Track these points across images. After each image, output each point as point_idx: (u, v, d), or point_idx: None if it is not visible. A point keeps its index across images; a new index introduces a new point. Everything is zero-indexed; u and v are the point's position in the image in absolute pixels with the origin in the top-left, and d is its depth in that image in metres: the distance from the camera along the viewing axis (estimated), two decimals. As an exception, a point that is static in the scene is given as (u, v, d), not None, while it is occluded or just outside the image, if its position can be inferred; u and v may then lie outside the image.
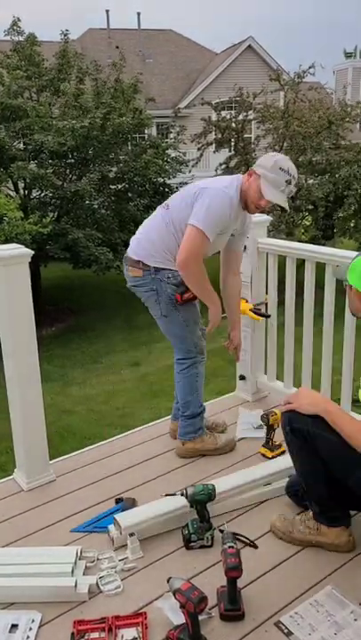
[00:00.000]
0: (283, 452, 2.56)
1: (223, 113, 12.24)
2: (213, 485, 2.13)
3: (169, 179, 12.66)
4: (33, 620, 1.84)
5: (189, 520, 2.16)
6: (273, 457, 2.65)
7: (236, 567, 1.78)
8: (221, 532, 1.96)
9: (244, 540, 2.13)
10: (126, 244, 10.69)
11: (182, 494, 2.13)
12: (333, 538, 2.05)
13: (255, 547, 2.12)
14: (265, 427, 2.70)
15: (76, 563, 2.03)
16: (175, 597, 1.67)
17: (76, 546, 2.14)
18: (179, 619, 1.75)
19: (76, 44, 12.94)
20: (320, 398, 2.02)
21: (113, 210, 11.42)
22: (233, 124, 11.79)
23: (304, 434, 1.93)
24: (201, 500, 2.10)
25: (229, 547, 1.82)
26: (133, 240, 2.59)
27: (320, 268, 2.82)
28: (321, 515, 2.07)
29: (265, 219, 3.22)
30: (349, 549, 2.06)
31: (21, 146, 10.85)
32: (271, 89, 11.89)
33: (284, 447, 2.26)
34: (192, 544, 2.12)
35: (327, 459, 1.93)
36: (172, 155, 12.50)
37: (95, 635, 1.77)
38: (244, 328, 3.32)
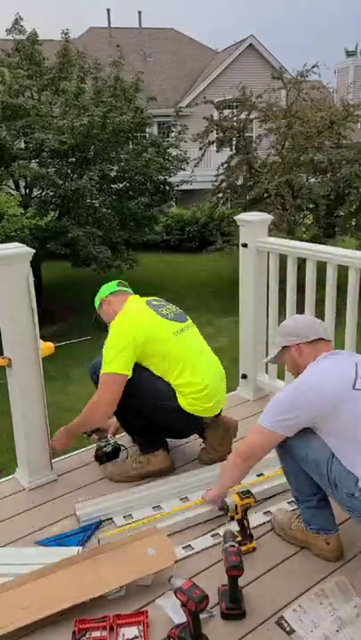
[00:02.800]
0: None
1: (225, 112, 12.22)
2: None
3: (170, 177, 12.65)
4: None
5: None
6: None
7: (236, 566, 1.79)
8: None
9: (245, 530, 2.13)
10: (127, 243, 10.85)
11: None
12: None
13: (251, 537, 2.12)
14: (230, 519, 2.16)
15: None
16: (176, 596, 1.67)
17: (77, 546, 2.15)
18: (180, 617, 1.75)
19: (77, 43, 12.93)
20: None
21: (114, 208, 11.42)
22: (235, 123, 11.77)
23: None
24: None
25: (230, 545, 1.82)
26: None
27: (321, 267, 2.82)
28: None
29: (266, 218, 3.22)
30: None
31: (22, 145, 10.86)
32: (273, 87, 11.86)
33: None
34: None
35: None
36: (174, 153, 12.50)
37: (96, 633, 1.77)
38: (247, 326, 3.32)
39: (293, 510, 2.23)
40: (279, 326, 2.21)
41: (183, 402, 2.48)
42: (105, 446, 2.71)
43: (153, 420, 2.54)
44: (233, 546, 1.82)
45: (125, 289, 2.76)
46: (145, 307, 2.61)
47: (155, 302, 2.68)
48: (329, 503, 2.05)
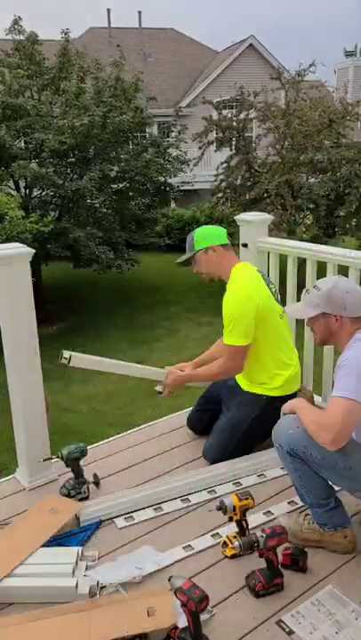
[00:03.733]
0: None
1: (224, 112, 12.22)
2: (85, 444, 2.44)
3: (170, 178, 12.65)
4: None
5: (64, 482, 2.45)
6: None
7: (279, 534, 1.86)
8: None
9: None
10: (127, 243, 10.86)
11: (58, 456, 2.41)
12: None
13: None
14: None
15: (76, 563, 2.03)
16: (176, 596, 1.67)
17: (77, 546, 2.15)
18: (180, 617, 1.75)
19: (77, 43, 12.93)
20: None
21: (114, 209, 11.42)
22: (234, 123, 11.77)
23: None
24: (75, 458, 2.39)
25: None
26: None
27: (321, 266, 2.82)
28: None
29: (266, 218, 3.22)
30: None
31: (22, 145, 10.85)
32: (272, 87, 11.87)
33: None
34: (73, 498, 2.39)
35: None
36: (174, 154, 12.50)
37: (96, 634, 1.76)
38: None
39: (298, 512, 2.21)
40: (322, 285, 2.02)
41: (278, 382, 2.58)
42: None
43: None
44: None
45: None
46: (260, 278, 2.62)
47: (263, 276, 2.68)
48: (340, 500, 2.07)
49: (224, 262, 2.61)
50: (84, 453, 2.43)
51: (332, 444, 1.83)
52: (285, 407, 2.08)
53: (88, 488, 2.46)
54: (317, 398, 2.98)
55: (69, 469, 2.49)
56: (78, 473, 2.44)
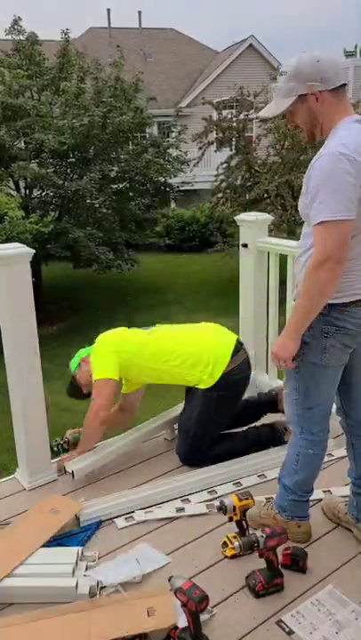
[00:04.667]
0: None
1: (224, 112, 12.23)
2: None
3: (170, 178, 12.65)
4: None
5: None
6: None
7: (279, 534, 1.87)
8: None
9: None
10: (127, 243, 10.83)
11: (64, 442, 2.81)
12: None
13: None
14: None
15: (76, 563, 2.03)
16: (176, 596, 1.67)
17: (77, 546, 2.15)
18: (180, 617, 1.75)
19: (77, 43, 12.93)
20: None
21: (114, 209, 11.42)
22: (234, 124, 11.78)
23: None
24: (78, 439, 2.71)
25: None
26: None
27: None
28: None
29: (266, 218, 3.22)
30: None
31: (22, 145, 10.85)
32: (272, 87, 11.86)
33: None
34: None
35: None
36: (174, 154, 12.50)
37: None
38: (247, 326, 3.32)
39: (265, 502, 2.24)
40: (286, 66, 1.71)
41: (206, 375, 2.59)
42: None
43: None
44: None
45: None
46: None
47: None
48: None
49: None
50: None
51: (337, 267, 1.65)
52: (273, 360, 1.93)
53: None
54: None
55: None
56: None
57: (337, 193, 1.60)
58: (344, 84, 1.71)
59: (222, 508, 2.05)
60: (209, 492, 2.46)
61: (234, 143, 12.00)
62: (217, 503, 2.11)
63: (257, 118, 11.96)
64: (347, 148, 1.60)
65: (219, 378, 2.58)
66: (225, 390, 2.60)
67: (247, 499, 2.05)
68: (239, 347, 2.69)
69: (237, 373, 2.63)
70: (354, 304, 1.78)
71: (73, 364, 2.85)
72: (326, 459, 2.65)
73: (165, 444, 2.90)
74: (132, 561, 2.08)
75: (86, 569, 2.04)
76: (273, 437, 2.73)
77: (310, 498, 2.12)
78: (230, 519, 2.07)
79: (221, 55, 22.26)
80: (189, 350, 2.63)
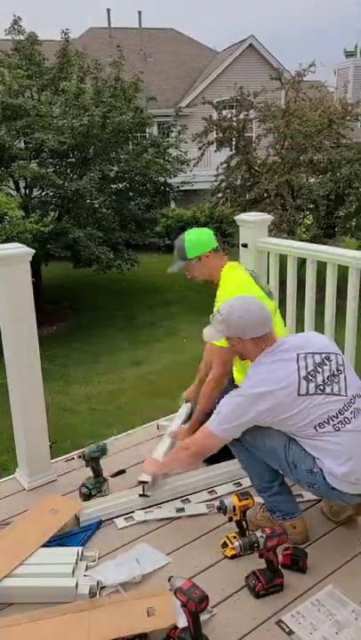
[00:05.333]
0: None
1: (224, 112, 12.23)
2: (105, 442, 2.50)
3: (170, 178, 12.65)
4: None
5: (85, 479, 2.46)
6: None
7: (279, 534, 1.88)
8: None
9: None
10: (127, 244, 10.81)
11: (79, 456, 2.49)
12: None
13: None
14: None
15: (76, 563, 2.03)
16: (176, 596, 1.66)
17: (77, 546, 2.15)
18: (180, 617, 1.75)
19: (77, 43, 12.93)
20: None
21: (114, 209, 11.42)
22: (234, 124, 11.78)
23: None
24: (96, 457, 2.45)
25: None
26: None
27: (321, 266, 2.82)
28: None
29: (266, 218, 3.22)
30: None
31: (22, 145, 10.85)
32: (272, 88, 11.87)
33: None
34: (93, 497, 2.42)
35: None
36: (174, 154, 12.50)
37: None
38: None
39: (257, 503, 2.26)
40: (222, 310, 2.06)
41: None
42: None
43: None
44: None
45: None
46: (250, 277, 2.58)
47: (251, 275, 2.62)
48: (288, 488, 2.15)
49: (217, 266, 2.61)
50: (104, 452, 2.47)
51: (190, 458, 2.17)
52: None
53: (108, 486, 2.49)
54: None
55: (69, 470, 2.49)
56: (98, 471, 2.47)
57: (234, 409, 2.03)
58: (265, 334, 2.03)
59: (222, 509, 2.06)
60: (209, 492, 2.46)
61: (234, 143, 12.00)
62: (217, 503, 2.11)
63: (255, 118, 11.98)
64: (261, 386, 1.97)
65: None
66: None
67: (247, 499, 2.05)
68: None
69: None
70: None
71: (190, 251, 2.57)
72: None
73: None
74: (132, 561, 2.08)
75: (86, 569, 2.04)
76: None
77: (287, 488, 2.15)
78: (230, 519, 2.07)
79: (221, 55, 22.25)
80: None
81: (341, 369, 2.00)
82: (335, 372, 1.98)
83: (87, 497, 2.43)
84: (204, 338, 2.20)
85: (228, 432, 2.01)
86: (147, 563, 2.07)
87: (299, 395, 1.92)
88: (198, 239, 2.58)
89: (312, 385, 1.94)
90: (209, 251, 2.60)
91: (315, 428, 1.93)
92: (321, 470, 1.96)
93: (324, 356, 2.00)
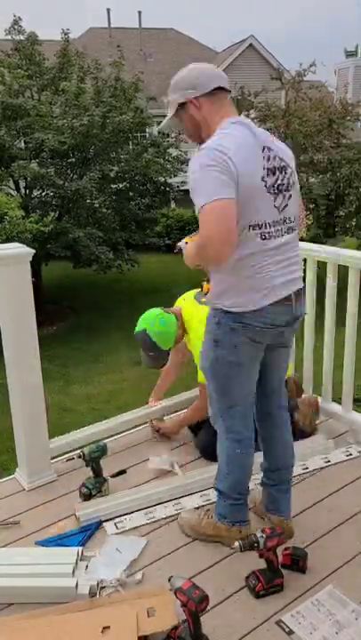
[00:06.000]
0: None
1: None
2: (105, 443, 2.49)
3: (170, 178, 12.65)
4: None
5: (85, 479, 2.45)
6: None
7: (279, 534, 1.87)
8: None
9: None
10: (127, 244, 10.76)
11: (79, 456, 2.44)
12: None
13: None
14: None
15: (76, 563, 2.03)
16: (176, 596, 1.66)
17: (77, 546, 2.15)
18: (180, 618, 1.75)
19: (77, 43, 12.94)
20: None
21: (114, 209, 11.42)
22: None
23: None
24: (96, 457, 2.43)
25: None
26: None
27: (321, 266, 2.82)
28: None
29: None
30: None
31: (22, 145, 10.85)
32: (272, 88, 11.87)
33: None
34: (93, 497, 2.41)
35: None
36: (174, 154, 12.49)
37: (96, 634, 1.75)
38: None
39: (200, 508, 2.26)
40: (171, 83, 1.89)
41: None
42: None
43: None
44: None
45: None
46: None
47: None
48: (246, 499, 2.11)
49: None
50: (104, 452, 2.46)
51: (223, 249, 1.65)
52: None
53: (108, 486, 2.48)
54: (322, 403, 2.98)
55: (69, 470, 2.48)
56: (98, 471, 2.47)
57: (213, 181, 1.66)
58: (221, 88, 1.84)
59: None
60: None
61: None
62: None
63: (255, 118, 11.97)
64: (220, 145, 1.69)
65: None
66: None
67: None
68: None
69: None
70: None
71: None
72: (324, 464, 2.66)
73: (165, 444, 2.89)
74: (114, 552, 2.13)
75: (86, 569, 2.04)
76: None
77: (247, 500, 2.11)
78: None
79: (221, 55, 22.25)
80: None
81: (290, 188, 1.83)
82: (286, 187, 1.82)
83: (87, 497, 2.43)
84: (162, 128, 2.10)
85: (220, 190, 1.64)
86: (127, 551, 2.12)
87: (262, 179, 1.73)
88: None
89: (270, 180, 1.76)
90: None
91: (250, 228, 1.72)
92: (221, 310, 1.83)
93: (283, 164, 1.82)
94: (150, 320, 2.74)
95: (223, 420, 2.00)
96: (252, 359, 1.92)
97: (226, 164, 1.66)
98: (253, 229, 1.75)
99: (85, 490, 2.43)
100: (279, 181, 1.79)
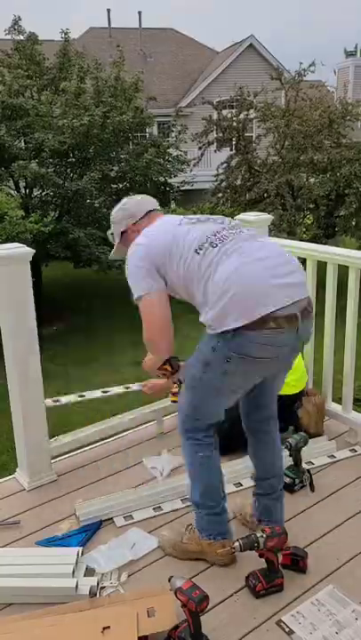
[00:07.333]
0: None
1: (224, 112, 12.23)
2: (305, 434, 2.48)
3: (170, 178, 12.65)
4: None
5: (285, 469, 2.38)
6: None
7: (279, 534, 1.87)
8: None
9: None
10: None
11: (286, 446, 2.37)
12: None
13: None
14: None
15: (76, 563, 2.03)
16: (176, 596, 1.66)
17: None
18: (180, 617, 1.75)
19: (77, 43, 12.94)
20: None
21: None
22: (234, 123, 11.78)
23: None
24: (301, 447, 2.43)
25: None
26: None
27: (321, 266, 2.81)
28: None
29: (266, 218, 3.22)
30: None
31: (22, 145, 10.85)
32: (272, 88, 11.88)
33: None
34: (296, 487, 2.42)
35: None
36: (174, 154, 12.50)
37: (96, 634, 1.75)
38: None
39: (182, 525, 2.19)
40: (112, 215, 2.16)
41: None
42: None
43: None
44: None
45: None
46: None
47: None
48: (226, 509, 2.06)
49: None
50: (306, 442, 2.47)
51: (159, 339, 1.96)
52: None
53: (310, 477, 2.48)
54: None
55: (69, 469, 2.48)
56: (298, 461, 2.48)
57: (135, 276, 1.92)
58: (151, 210, 2.11)
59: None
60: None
61: (234, 143, 12.00)
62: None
63: (255, 118, 11.98)
64: (145, 237, 1.95)
65: None
66: None
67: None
68: None
69: None
70: (260, 325, 1.71)
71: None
72: (328, 460, 2.66)
73: (163, 443, 2.89)
74: (125, 546, 2.13)
75: (86, 569, 2.04)
76: None
77: (226, 509, 2.06)
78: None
79: (221, 55, 22.25)
80: None
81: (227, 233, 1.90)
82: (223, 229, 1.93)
83: (290, 486, 2.40)
84: (111, 257, 2.24)
85: (148, 284, 1.89)
86: (139, 547, 2.13)
87: (179, 224, 1.94)
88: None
89: (195, 226, 1.94)
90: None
91: (195, 251, 1.83)
92: (215, 332, 1.79)
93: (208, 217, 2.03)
94: None
95: (186, 429, 1.99)
96: (238, 389, 1.93)
97: (142, 257, 1.91)
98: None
99: (289, 480, 2.42)
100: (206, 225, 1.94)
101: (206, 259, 1.82)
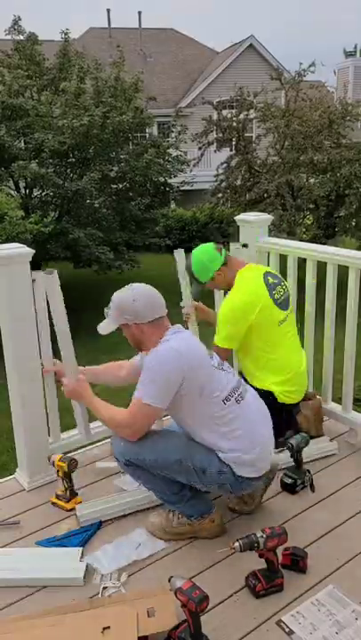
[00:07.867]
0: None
1: (224, 112, 12.23)
2: (307, 434, 2.50)
3: (170, 178, 12.65)
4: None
5: (285, 470, 2.46)
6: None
7: (279, 534, 1.89)
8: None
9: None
10: (127, 244, 10.77)
11: (288, 447, 2.41)
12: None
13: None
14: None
15: (76, 564, 2.03)
16: (176, 596, 1.66)
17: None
18: (180, 618, 1.75)
19: (77, 44, 12.94)
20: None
21: (114, 209, 11.41)
22: (234, 124, 11.77)
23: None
24: (302, 448, 2.43)
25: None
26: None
27: (321, 266, 2.82)
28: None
29: (266, 218, 3.22)
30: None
31: (22, 145, 10.86)
32: (272, 88, 11.87)
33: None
34: (297, 488, 2.42)
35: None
36: (174, 154, 12.50)
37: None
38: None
39: (168, 510, 2.24)
40: (114, 297, 2.11)
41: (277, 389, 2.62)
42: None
43: None
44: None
45: (228, 253, 2.75)
46: (263, 285, 2.62)
47: (270, 279, 2.67)
48: (195, 489, 2.14)
49: (231, 275, 2.68)
50: (308, 443, 2.48)
51: (133, 437, 2.02)
52: (67, 393, 2.30)
53: (311, 479, 2.49)
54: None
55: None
56: (300, 462, 2.48)
57: (158, 382, 2.00)
58: (162, 317, 2.09)
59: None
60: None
61: (234, 143, 12.00)
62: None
63: (255, 118, 11.98)
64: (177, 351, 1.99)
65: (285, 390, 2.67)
66: None
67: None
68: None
69: None
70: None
71: (203, 276, 2.70)
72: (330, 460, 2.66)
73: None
74: (131, 546, 2.15)
75: (86, 568, 2.04)
76: None
77: (195, 489, 2.14)
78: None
79: (221, 55, 22.25)
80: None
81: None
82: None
83: (291, 487, 2.42)
84: (100, 331, 2.20)
85: (163, 399, 1.99)
86: (145, 547, 2.14)
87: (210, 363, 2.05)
88: (203, 265, 2.68)
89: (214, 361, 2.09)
90: (218, 269, 2.67)
91: (223, 401, 2.00)
92: (229, 467, 2.01)
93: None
94: (201, 248, 2.73)
95: (138, 460, 2.07)
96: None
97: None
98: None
99: (289, 479, 2.43)
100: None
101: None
